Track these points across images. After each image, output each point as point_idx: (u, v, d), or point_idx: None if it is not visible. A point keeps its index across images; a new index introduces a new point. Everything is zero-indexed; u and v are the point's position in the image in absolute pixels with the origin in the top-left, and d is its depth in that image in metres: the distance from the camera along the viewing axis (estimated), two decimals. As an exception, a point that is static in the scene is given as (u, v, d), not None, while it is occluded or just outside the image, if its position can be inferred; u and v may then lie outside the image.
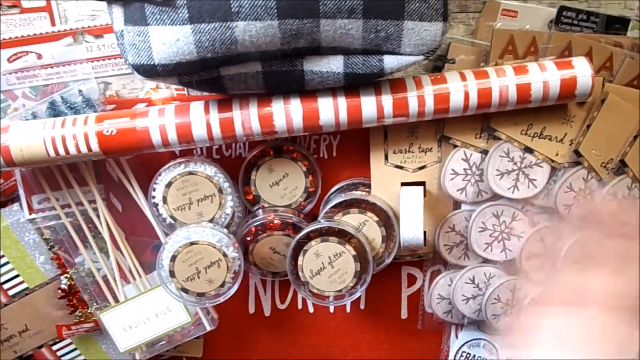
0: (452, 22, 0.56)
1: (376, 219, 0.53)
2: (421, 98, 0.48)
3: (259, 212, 0.55)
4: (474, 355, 0.62)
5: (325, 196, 0.56)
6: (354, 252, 0.51)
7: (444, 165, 0.55)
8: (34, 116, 0.52)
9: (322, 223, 0.52)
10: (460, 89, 0.48)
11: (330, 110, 0.47)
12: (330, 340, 0.62)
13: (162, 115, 0.48)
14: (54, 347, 0.59)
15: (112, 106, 0.54)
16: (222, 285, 0.52)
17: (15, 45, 0.53)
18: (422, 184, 0.54)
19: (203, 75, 0.43)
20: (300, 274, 0.52)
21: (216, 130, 0.48)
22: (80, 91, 0.52)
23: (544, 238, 0.56)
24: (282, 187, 0.54)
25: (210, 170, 0.51)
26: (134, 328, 0.55)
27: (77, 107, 0.52)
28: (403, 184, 0.54)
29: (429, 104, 0.48)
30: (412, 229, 0.51)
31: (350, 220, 0.53)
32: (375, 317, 0.62)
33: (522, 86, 0.48)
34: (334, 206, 0.53)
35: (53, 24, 0.54)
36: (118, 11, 0.42)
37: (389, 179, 0.54)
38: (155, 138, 0.48)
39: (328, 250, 0.51)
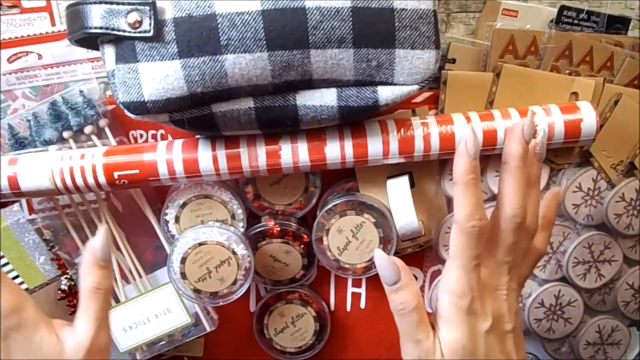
0: (452, 21, 0.56)
1: (373, 220, 0.52)
2: (427, 138, 0.48)
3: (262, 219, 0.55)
4: (475, 355, 0.62)
5: (324, 195, 0.56)
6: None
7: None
8: (35, 116, 0.52)
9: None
10: (465, 129, 0.48)
11: (337, 150, 0.47)
12: (330, 339, 0.62)
13: (172, 165, 0.48)
14: (55, 347, 0.59)
15: (113, 106, 0.54)
16: (234, 283, 0.52)
17: (15, 45, 0.53)
18: (409, 173, 0.54)
19: (194, 112, 0.42)
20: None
21: (223, 166, 0.48)
22: (81, 91, 0.52)
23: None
24: (283, 186, 0.54)
25: (226, 196, 0.52)
26: (134, 328, 0.55)
27: (78, 108, 0.52)
28: (389, 178, 0.53)
29: (434, 144, 0.48)
30: (404, 216, 0.51)
31: (347, 223, 0.53)
32: (375, 317, 0.62)
33: None
34: (330, 208, 0.53)
35: (53, 24, 0.54)
36: (110, 51, 0.42)
37: (375, 177, 0.54)
38: (165, 178, 0.49)
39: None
